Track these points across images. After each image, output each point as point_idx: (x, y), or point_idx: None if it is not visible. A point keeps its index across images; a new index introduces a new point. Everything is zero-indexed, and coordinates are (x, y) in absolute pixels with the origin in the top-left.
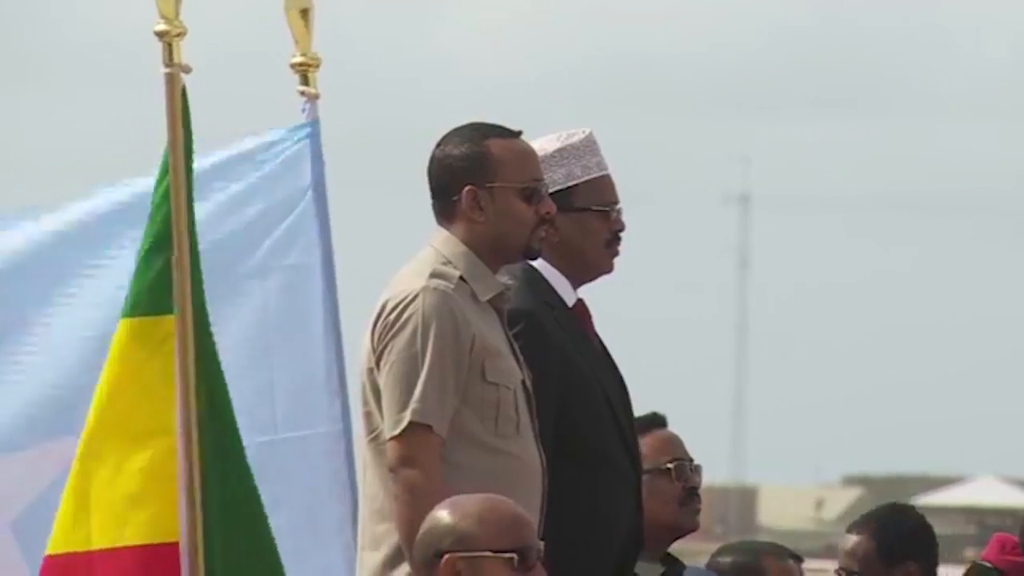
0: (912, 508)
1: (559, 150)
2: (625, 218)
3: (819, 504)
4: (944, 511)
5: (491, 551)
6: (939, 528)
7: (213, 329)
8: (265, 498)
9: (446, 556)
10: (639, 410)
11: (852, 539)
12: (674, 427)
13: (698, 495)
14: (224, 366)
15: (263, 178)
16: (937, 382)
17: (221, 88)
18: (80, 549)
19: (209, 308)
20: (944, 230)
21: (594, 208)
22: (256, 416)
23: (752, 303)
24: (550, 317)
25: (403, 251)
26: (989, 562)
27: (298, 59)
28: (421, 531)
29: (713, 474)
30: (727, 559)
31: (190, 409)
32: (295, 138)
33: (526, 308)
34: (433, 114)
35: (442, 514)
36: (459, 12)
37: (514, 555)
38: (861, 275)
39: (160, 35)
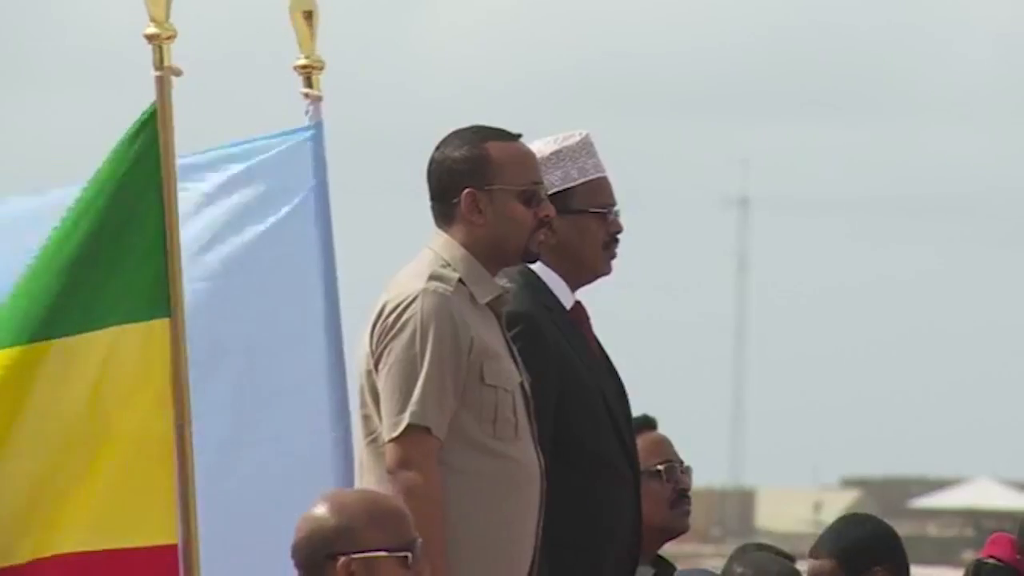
0: (867, 515)
1: (555, 152)
2: (624, 220)
3: (817, 506)
4: (942, 513)
5: (386, 550)
6: (937, 530)
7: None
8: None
9: (341, 559)
10: (637, 412)
11: (813, 564)
12: (673, 429)
13: (688, 497)
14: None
15: (265, 180)
16: (935, 384)
17: (221, 90)
18: (46, 555)
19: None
20: (943, 233)
21: (591, 210)
22: (255, 418)
23: (751, 306)
24: (548, 320)
25: (404, 253)
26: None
27: (302, 61)
28: (302, 533)
29: (711, 476)
30: (738, 569)
31: (184, 411)
32: (298, 140)
33: (524, 311)
34: (429, 117)
35: (324, 513)
36: (453, 13)
37: (408, 553)
38: (861, 278)
39: (150, 38)
